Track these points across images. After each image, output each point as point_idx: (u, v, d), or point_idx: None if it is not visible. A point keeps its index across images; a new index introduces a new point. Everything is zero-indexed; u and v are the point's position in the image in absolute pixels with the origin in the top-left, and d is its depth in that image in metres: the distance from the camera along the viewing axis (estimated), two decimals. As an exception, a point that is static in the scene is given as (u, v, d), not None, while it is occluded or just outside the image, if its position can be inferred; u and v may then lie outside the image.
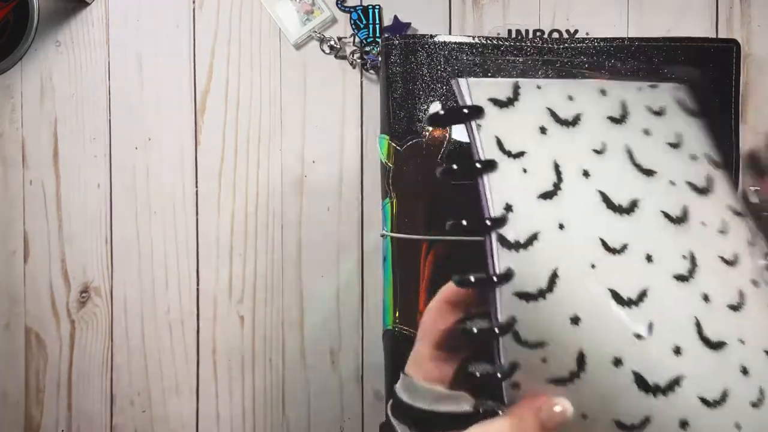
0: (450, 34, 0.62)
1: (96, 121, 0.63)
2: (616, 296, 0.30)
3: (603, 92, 0.34)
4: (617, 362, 0.30)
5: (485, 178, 0.31)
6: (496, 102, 0.33)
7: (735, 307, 0.32)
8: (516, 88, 0.33)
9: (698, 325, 0.31)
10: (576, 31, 0.62)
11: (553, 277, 0.30)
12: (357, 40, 0.62)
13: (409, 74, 0.57)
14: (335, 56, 0.62)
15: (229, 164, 0.63)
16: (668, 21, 0.62)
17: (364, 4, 0.62)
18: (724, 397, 0.31)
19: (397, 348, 0.57)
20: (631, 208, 0.32)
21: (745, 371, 0.31)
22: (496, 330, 0.30)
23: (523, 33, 0.62)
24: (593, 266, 0.31)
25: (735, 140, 0.57)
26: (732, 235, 0.33)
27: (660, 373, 0.30)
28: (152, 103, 0.63)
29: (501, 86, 0.33)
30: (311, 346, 0.63)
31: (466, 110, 0.32)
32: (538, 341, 0.30)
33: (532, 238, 0.31)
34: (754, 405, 0.31)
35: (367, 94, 0.63)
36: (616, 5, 0.62)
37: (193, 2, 0.63)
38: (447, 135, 0.56)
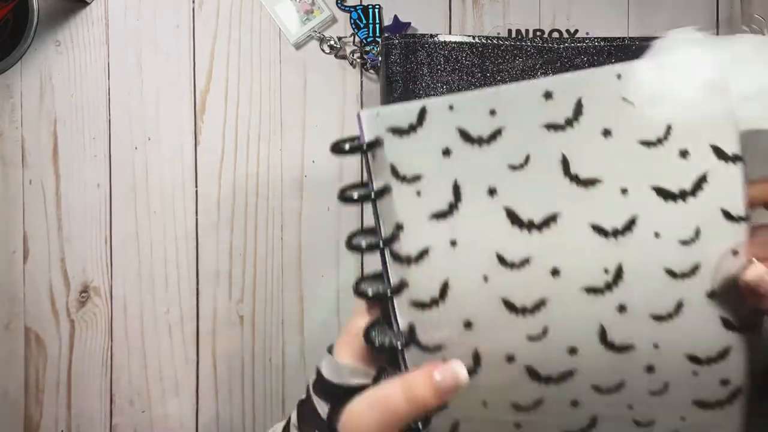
0: (450, 33, 0.62)
1: (96, 121, 0.63)
2: (509, 305, 0.33)
3: (548, 95, 0.33)
4: (510, 359, 0.33)
5: (378, 203, 0.34)
6: (396, 131, 0.33)
7: (662, 317, 0.33)
8: (422, 113, 0.33)
9: (603, 331, 0.33)
10: (576, 31, 0.62)
11: (444, 288, 0.33)
12: (357, 39, 0.62)
13: (409, 74, 0.56)
14: (335, 56, 0.62)
15: (229, 164, 0.63)
16: (669, 20, 0.62)
17: (364, 3, 0.62)
18: (619, 387, 0.34)
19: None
20: (545, 223, 0.33)
21: (650, 369, 0.33)
22: (399, 345, 0.33)
23: (523, 33, 0.62)
24: (486, 279, 0.33)
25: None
26: (702, 244, 0.32)
27: (552, 367, 0.33)
28: (152, 102, 0.63)
29: (405, 114, 0.34)
30: (311, 346, 0.63)
31: (364, 146, 0.34)
32: (436, 345, 0.34)
33: (423, 253, 0.33)
34: (653, 393, 0.34)
35: (367, 94, 0.63)
36: (617, 5, 0.62)
37: (193, 2, 0.63)
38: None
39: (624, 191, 0.32)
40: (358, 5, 0.62)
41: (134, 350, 0.64)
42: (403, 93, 0.57)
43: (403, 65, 0.57)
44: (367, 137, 0.34)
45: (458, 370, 0.31)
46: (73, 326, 0.64)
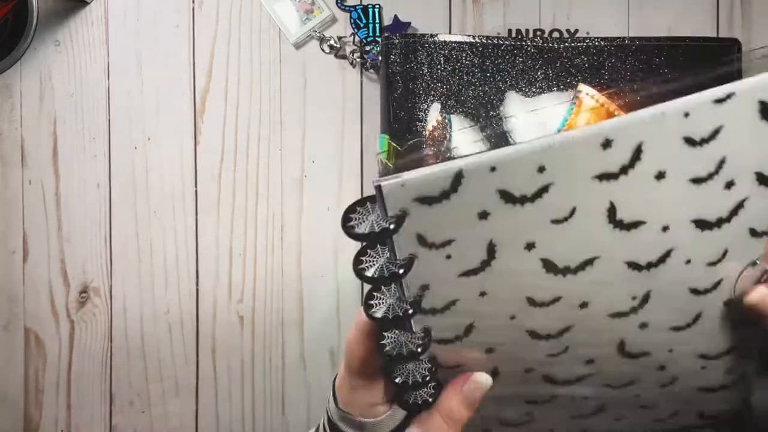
0: (450, 33, 0.62)
1: (95, 121, 0.63)
2: (534, 334, 0.32)
3: (607, 144, 0.28)
4: (528, 371, 0.34)
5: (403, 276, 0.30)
6: (425, 200, 0.28)
7: (680, 328, 0.33)
8: (457, 179, 0.28)
9: (622, 344, 0.33)
10: (576, 31, 0.62)
11: (469, 328, 0.32)
12: (357, 39, 0.62)
13: (409, 74, 0.56)
14: (335, 56, 0.62)
15: (228, 164, 0.63)
16: (669, 20, 0.62)
17: (364, 3, 0.62)
18: (630, 383, 0.35)
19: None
20: (581, 268, 0.30)
21: (662, 368, 0.35)
22: (429, 400, 0.34)
23: (524, 32, 0.61)
24: (513, 317, 0.32)
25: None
26: (726, 261, 0.31)
27: (569, 375, 0.35)
28: (152, 102, 0.63)
29: (436, 181, 0.28)
30: (311, 346, 0.63)
31: (389, 228, 0.28)
32: (456, 365, 0.34)
33: (450, 305, 0.31)
34: (662, 386, 0.36)
35: (367, 93, 0.63)
36: (617, 5, 0.62)
37: (193, 2, 0.63)
38: (447, 134, 0.56)
39: (665, 228, 0.30)
40: (358, 5, 0.62)
41: (134, 350, 0.64)
42: (403, 93, 0.57)
43: (403, 65, 0.56)
44: (391, 212, 0.28)
45: (482, 380, 0.34)
46: (72, 326, 0.64)
